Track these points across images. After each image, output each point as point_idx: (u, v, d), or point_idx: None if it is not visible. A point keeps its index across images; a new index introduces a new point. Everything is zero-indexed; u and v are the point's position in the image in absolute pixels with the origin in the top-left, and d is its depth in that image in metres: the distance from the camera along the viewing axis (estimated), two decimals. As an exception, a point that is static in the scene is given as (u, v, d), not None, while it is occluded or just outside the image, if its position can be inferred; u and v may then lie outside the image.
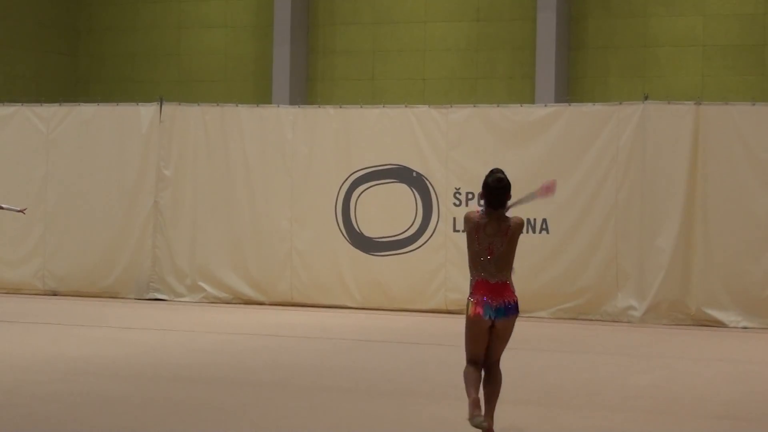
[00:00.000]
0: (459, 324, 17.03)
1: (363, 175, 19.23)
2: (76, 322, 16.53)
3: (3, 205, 18.95)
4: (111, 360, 12.87)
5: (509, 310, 8.89)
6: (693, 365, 14.03)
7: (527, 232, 18.21)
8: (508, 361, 14.11)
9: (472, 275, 8.77)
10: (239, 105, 21.07)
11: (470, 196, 18.58)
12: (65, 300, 19.46)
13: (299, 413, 10.21)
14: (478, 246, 8.80)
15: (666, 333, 16.76)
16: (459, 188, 18.79)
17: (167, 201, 19.95)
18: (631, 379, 12.54)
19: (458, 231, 18.55)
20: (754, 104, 18.27)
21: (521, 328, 17.34)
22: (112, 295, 19.84)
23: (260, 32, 29.19)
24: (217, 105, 20.76)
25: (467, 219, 8.97)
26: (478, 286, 8.69)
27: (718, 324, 17.26)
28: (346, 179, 19.26)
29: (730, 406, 11.08)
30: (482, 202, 9.06)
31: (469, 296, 8.68)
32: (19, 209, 18.87)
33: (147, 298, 19.76)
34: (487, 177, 9.00)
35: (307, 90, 28.59)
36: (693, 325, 17.39)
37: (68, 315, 17.33)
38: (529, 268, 18.08)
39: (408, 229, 19.05)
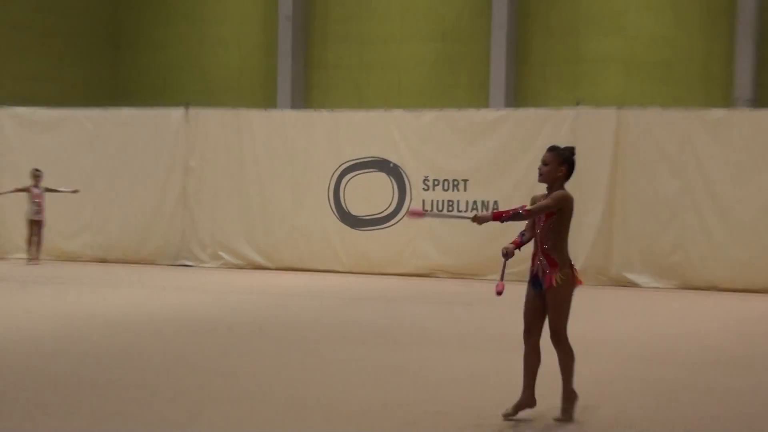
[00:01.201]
0: (425, 283, 17.34)
1: (350, 166, 19.33)
2: (121, 283, 16.61)
3: (59, 188, 19.15)
4: (148, 312, 13.00)
5: None
6: (613, 317, 14.04)
7: (488, 210, 18.39)
8: (473, 315, 14.29)
9: (565, 250, 7.38)
10: (250, 109, 21.27)
11: (436, 182, 18.83)
12: (111, 266, 19.51)
13: (291, 352, 10.30)
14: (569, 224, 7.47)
15: (592, 292, 16.61)
16: (427, 176, 18.92)
17: (192, 187, 20.04)
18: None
19: (427, 210, 18.76)
20: (664, 109, 18.45)
21: (476, 285, 17.52)
22: (149, 262, 19.95)
23: (267, 50, 29.21)
24: (233, 109, 20.92)
25: (569, 199, 7.41)
26: (570, 261, 7.38)
27: (634, 285, 17.48)
28: (337, 169, 19.37)
29: (642, 347, 11.18)
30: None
31: (567, 268, 7.30)
32: (72, 190, 19.12)
33: (177, 264, 19.87)
34: (572, 155, 7.53)
35: (305, 97, 28.65)
36: (613, 285, 17.54)
37: (114, 278, 17.40)
38: (487, 239, 18.31)
39: (386, 209, 19.14)
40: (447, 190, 18.79)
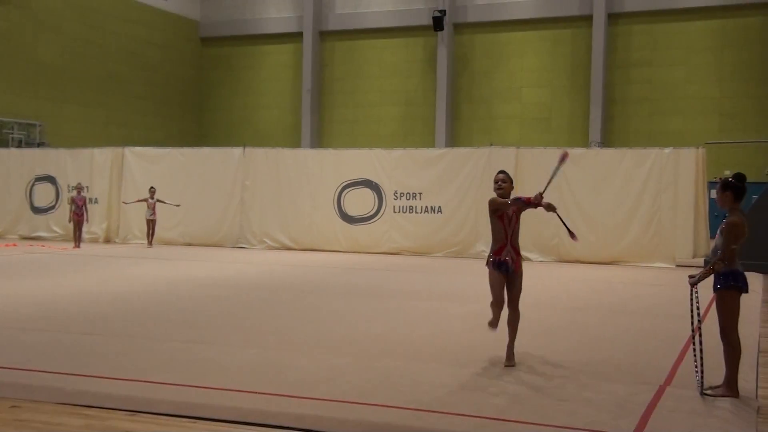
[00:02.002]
0: (396, 259, 17.34)
1: (348, 184, 19.19)
2: (201, 259, 16.49)
3: (167, 201, 19.14)
4: (219, 276, 12.89)
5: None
6: None
7: (435, 212, 18.38)
8: (428, 278, 14.18)
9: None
10: (284, 148, 21.14)
11: (402, 194, 18.78)
12: (195, 248, 19.36)
13: (309, 301, 10.20)
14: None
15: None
16: (396, 191, 18.84)
17: (247, 198, 19.86)
18: (485, 286, 12.54)
19: (397, 212, 18.73)
20: (545, 148, 18.47)
21: (428, 259, 17.39)
22: (219, 245, 19.81)
23: (294, 111, 29.25)
24: (273, 148, 20.78)
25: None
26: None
27: (528, 259, 17.33)
28: (339, 185, 19.25)
29: (534, 298, 11.03)
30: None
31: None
32: (175, 204, 19.19)
33: (237, 246, 19.71)
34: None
35: (319, 141, 28.64)
36: (515, 259, 17.52)
37: (196, 255, 17.28)
38: (434, 230, 18.29)
39: (370, 211, 19.02)
40: (409, 199, 18.76)
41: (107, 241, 20.93)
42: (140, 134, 27.54)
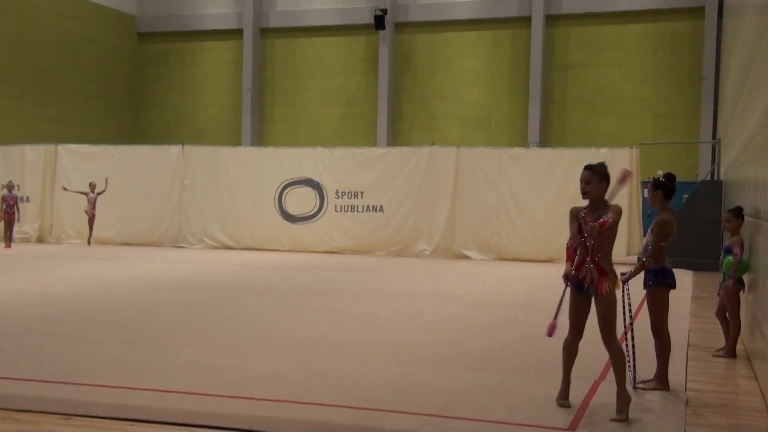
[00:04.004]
0: (337, 258, 17.34)
1: (289, 182, 19.10)
2: (139, 259, 16.20)
3: (69, 189, 19.35)
4: (156, 277, 12.70)
5: None
6: (456, 277, 13.87)
7: (377, 211, 18.43)
8: (368, 277, 14.19)
9: (610, 259, 5.04)
10: (224, 146, 20.96)
11: (344, 193, 18.75)
12: (132, 247, 19.00)
13: (249, 300, 10.13)
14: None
15: (441, 263, 16.84)
16: (338, 189, 18.82)
17: (186, 197, 19.59)
18: (427, 285, 12.59)
19: (339, 211, 18.71)
20: (485, 147, 18.69)
21: (369, 258, 17.44)
22: (157, 244, 19.51)
23: (235, 109, 28.94)
24: (213, 146, 20.61)
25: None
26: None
27: (468, 258, 17.62)
28: (280, 184, 19.14)
29: (474, 296, 11.24)
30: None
31: (615, 277, 5.04)
32: (100, 190, 19.12)
33: (175, 246, 19.43)
34: (606, 169, 5.22)
35: (260, 139, 28.41)
36: (456, 258, 17.63)
37: (133, 255, 16.97)
38: (376, 229, 18.35)
39: (312, 210, 18.96)
40: (350, 198, 18.76)
41: (40, 240, 20.41)
42: (75, 131, 26.85)
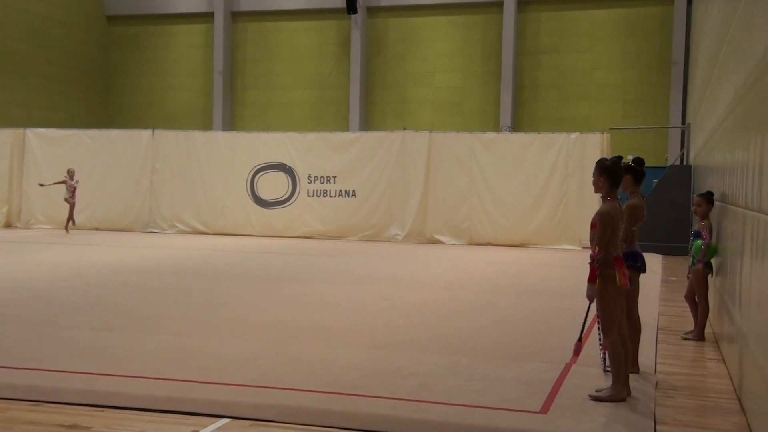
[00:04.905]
0: (309, 243, 17.30)
1: (261, 167, 19.02)
2: (109, 244, 16.02)
3: (45, 184, 18.61)
4: (127, 262, 12.57)
5: None
6: (429, 261, 13.89)
7: (349, 196, 18.38)
8: (340, 262, 14.16)
9: (609, 252, 4.96)
10: (195, 131, 20.69)
11: (316, 178, 18.70)
12: (103, 233, 18.77)
13: (223, 285, 10.08)
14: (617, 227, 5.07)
15: (414, 247, 16.88)
16: (310, 174, 18.73)
17: (157, 180, 19.43)
18: (399, 269, 12.59)
19: (311, 196, 18.64)
20: (457, 132, 18.66)
21: (342, 243, 17.42)
22: (128, 229, 19.34)
23: (206, 94, 28.65)
24: (184, 131, 20.34)
25: (609, 214, 4.97)
26: (618, 260, 5.00)
27: (440, 242, 17.65)
28: (252, 169, 19.04)
29: (446, 281, 11.25)
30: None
31: (611, 269, 4.97)
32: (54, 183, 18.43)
33: (147, 231, 19.27)
34: (614, 165, 5.08)
35: (232, 123, 28.17)
36: (428, 243, 17.65)
37: (104, 240, 16.78)
38: (348, 214, 18.31)
39: (284, 195, 18.89)
40: (323, 183, 18.69)
41: (8, 225, 20.11)
42: (43, 115, 26.42)
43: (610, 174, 5.05)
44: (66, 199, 18.29)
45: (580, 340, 5.37)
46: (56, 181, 18.44)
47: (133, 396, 4.87)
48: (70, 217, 18.38)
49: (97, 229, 19.44)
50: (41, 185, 18.88)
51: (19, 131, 20.43)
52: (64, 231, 18.42)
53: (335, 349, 6.30)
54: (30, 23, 26.91)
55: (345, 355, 6.10)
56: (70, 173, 18.42)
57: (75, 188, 18.34)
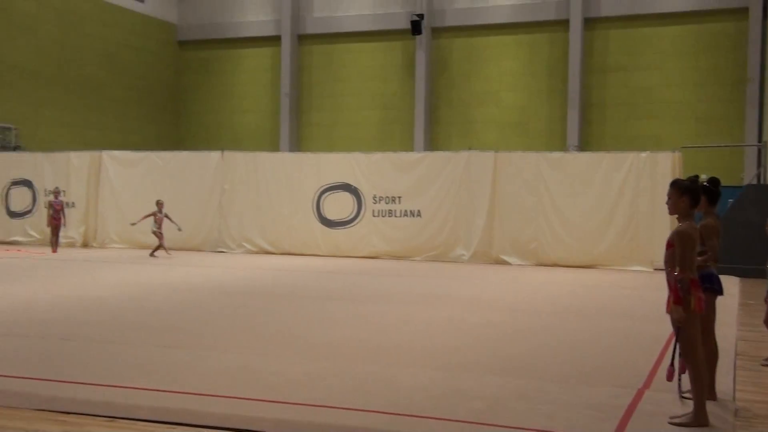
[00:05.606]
0: (374, 263, 17.32)
1: (327, 188, 19.15)
2: (179, 264, 16.36)
3: (172, 219, 18.09)
4: (196, 281, 12.79)
5: None
6: (495, 282, 13.65)
7: (414, 216, 18.38)
8: (405, 282, 14.15)
9: (688, 273, 4.87)
10: (263, 152, 21.08)
11: (381, 198, 18.77)
12: (173, 252, 19.04)
13: (289, 305, 10.13)
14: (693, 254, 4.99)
15: (480, 268, 16.76)
16: (375, 194, 18.81)
17: (226, 202, 19.77)
18: (465, 290, 12.51)
19: (376, 216, 18.70)
20: (523, 152, 18.49)
21: (407, 263, 17.39)
22: (198, 249, 19.69)
23: (273, 115, 29.14)
24: (252, 152, 20.68)
25: (687, 234, 4.88)
26: (694, 283, 4.90)
27: (507, 263, 17.46)
28: (318, 189, 19.19)
29: (512, 302, 11.14)
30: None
31: (690, 293, 4.89)
32: (178, 227, 18.10)
33: (216, 250, 19.62)
34: (693, 185, 5.07)
35: (298, 144, 28.57)
36: (494, 263, 17.50)
37: (174, 260, 17.15)
38: (414, 234, 18.30)
39: (350, 215, 18.97)
40: (388, 203, 18.74)
41: (85, 245, 20.74)
42: (117, 138, 27.34)
43: (691, 195, 4.99)
44: (154, 232, 17.94)
45: (672, 364, 5.23)
46: (145, 215, 18.08)
47: (202, 413, 4.93)
48: (161, 247, 17.91)
49: (170, 249, 19.80)
50: (133, 224, 18.45)
51: (96, 154, 21.10)
52: (165, 253, 17.95)
53: (399, 369, 6.27)
54: (106, 49, 27.94)
55: (409, 375, 6.06)
56: (159, 205, 18.04)
57: (163, 220, 17.95)
